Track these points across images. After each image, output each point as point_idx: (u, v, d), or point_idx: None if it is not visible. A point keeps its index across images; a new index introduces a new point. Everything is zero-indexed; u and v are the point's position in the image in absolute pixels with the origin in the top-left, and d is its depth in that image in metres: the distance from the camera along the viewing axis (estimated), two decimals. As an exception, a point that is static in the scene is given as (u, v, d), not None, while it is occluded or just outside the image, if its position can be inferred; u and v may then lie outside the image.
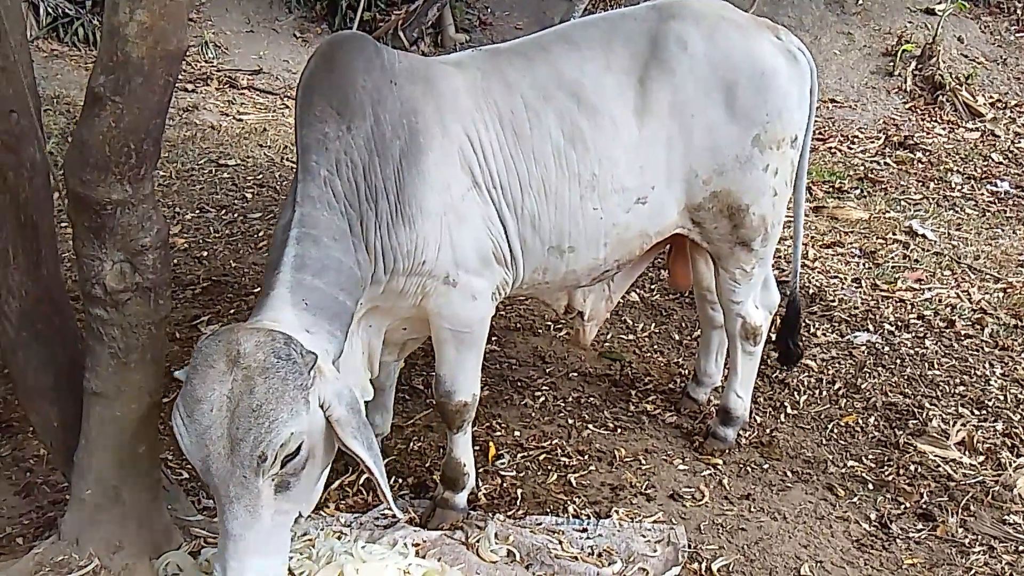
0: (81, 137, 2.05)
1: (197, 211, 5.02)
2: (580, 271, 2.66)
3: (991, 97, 7.55)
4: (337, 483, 2.85)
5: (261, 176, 5.53)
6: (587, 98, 2.52)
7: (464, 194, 2.41)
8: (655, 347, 3.89)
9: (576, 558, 2.54)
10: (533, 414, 3.35)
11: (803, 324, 4.02)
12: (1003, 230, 5.31)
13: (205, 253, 4.53)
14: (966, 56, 7.91)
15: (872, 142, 6.86)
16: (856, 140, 6.92)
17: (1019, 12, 8.22)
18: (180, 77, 7.15)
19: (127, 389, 2.25)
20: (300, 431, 1.92)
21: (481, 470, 2.96)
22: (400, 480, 2.94)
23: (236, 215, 5.00)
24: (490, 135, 2.45)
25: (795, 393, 3.49)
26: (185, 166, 5.59)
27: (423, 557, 2.43)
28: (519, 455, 3.09)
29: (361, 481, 2.87)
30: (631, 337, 3.96)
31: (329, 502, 2.77)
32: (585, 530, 2.69)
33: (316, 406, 1.97)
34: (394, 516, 2.58)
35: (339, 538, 2.47)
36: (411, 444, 3.14)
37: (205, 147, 5.93)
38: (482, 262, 2.47)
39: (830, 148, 6.74)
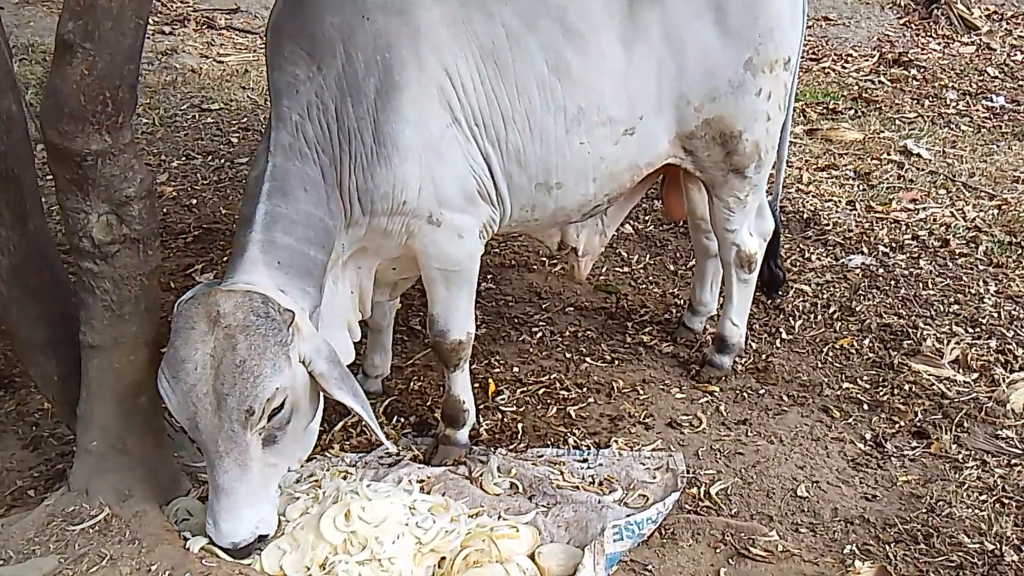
0: (54, 87, 1.99)
1: (183, 158, 4.95)
2: (570, 207, 2.63)
3: (987, 9, 7.40)
4: (340, 424, 2.89)
5: (245, 120, 5.43)
6: (573, 25, 2.44)
7: (443, 131, 2.35)
8: (650, 278, 3.89)
9: (577, 487, 2.59)
10: (531, 350, 3.37)
11: (798, 249, 4.02)
12: (998, 146, 5.27)
13: (194, 201, 4.48)
14: (962, -33, 7.70)
15: (866, 60, 6.74)
16: (850, 59, 6.80)
17: (1016, -82, 7.97)
18: (156, 19, 6.99)
19: (123, 341, 2.25)
20: (284, 386, 1.98)
21: (481, 406, 3.00)
22: (402, 419, 2.98)
23: (223, 161, 4.92)
24: (470, 68, 2.38)
25: (790, 318, 3.51)
26: (168, 112, 5.48)
27: (428, 493, 2.49)
28: (518, 390, 3.12)
29: (364, 422, 2.89)
30: (626, 269, 3.96)
31: (333, 443, 2.81)
32: (585, 460, 2.74)
33: (297, 362, 2.03)
34: (390, 451, 2.67)
35: (345, 478, 2.52)
36: (411, 384, 3.17)
37: (187, 91, 5.81)
38: (466, 200, 2.43)
39: (824, 68, 6.62)
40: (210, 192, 4.58)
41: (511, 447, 2.82)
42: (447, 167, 2.37)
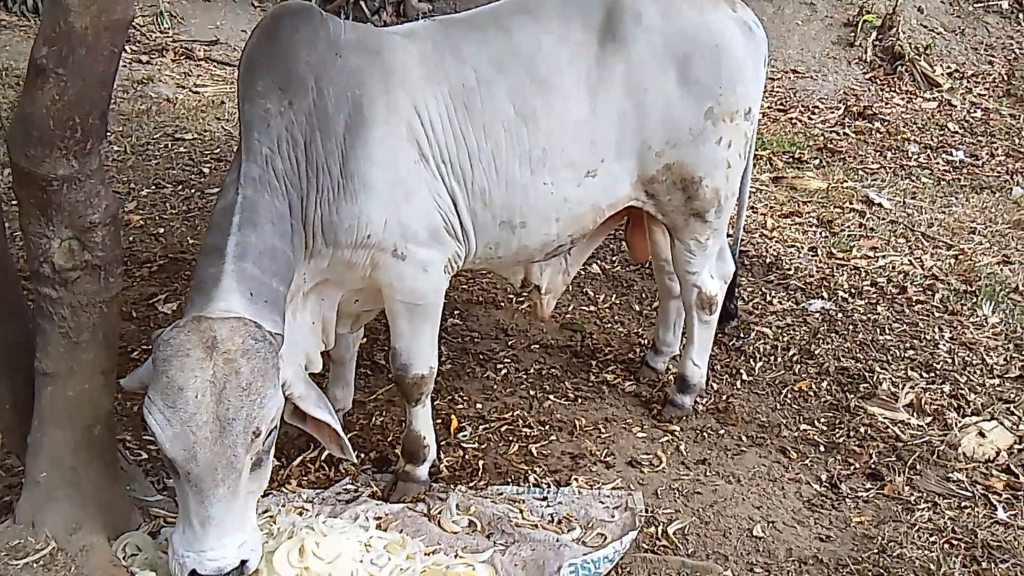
0: (24, 111, 2.01)
1: (153, 187, 4.94)
2: (533, 246, 2.67)
3: (949, 67, 7.65)
4: (299, 459, 2.86)
5: (219, 150, 5.44)
6: (540, 71, 2.51)
7: (411, 168, 2.40)
8: (615, 318, 3.93)
9: (536, 526, 2.58)
10: (495, 386, 3.38)
11: (760, 293, 4.10)
12: (957, 198, 5.43)
13: (162, 230, 4.46)
14: (925, 26, 7.99)
15: (832, 112, 6.93)
16: (816, 110, 6.99)
17: (977, -18, 8.31)
18: (134, 48, 7.02)
19: (79, 369, 2.23)
20: (280, 407, 2.00)
21: (443, 442, 2.99)
22: (363, 455, 2.96)
23: (193, 191, 4.92)
24: (439, 108, 2.43)
25: (751, 360, 3.56)
26: (140, 140, 5.48)
27: (385, 530, 2.47)
28: (481, 427, 3.12)
29: (323, 457, 2.88)
30: (592, 308, 4.00)
31: (291, 479, 2.79)
32: (545, 498, 2.74)
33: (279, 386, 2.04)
34: (347, 488, 2.69)
35: (301, 514, 2.49)
36: (373, 419, 3.16)
37: (160, 121, 5.82)
38: (432, 235, 2.47)
39: (791, 119, 6.80)
40: (179, 222, 4.57)
41: (471, 484, 2.81)
42: (413, 203, 2.41)
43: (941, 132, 6.61)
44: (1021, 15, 8.05)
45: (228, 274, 2.06)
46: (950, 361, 3.58)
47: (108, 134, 5.34)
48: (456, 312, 3.87)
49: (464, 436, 3.07)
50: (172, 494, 2.64)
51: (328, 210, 2.31)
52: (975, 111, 7.03)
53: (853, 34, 7.83)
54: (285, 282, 2.19)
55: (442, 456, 2.93)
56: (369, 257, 2.41)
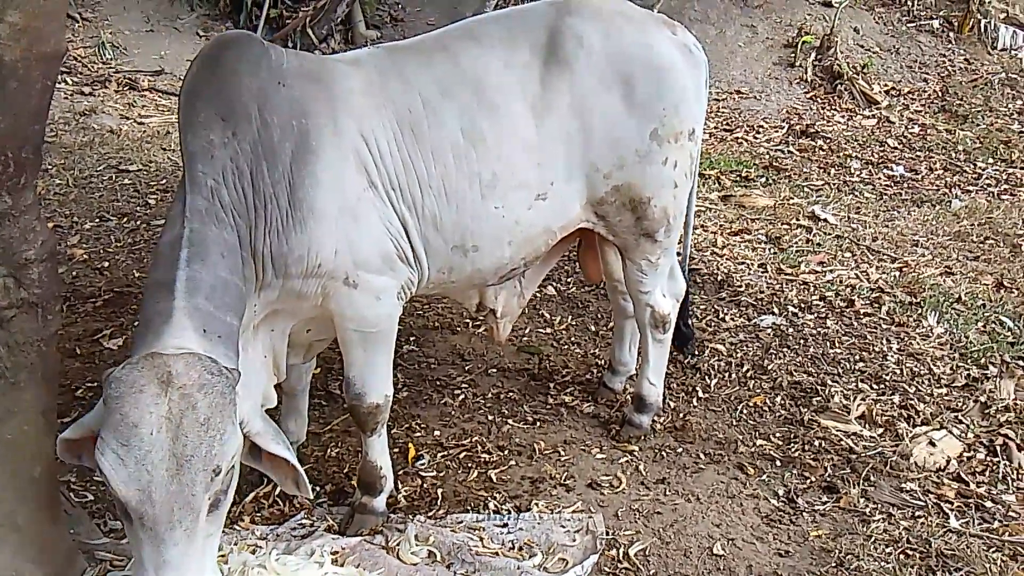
0: (-47, 147, 1.95)
1: (97, 220, 4.82)
2: (486, 270, 2.67)
3: (886, 85, 7.92)
4: (252, 495, 2.79)
5: (165, 181, 5.35)
6: (487, 95, 2.52)
7: (360, 195, 2.38)
8: (572, 339, 3.94)
9: (497, 554, 2.55)
10: (453, 412, 3.35)
11: (713, 310, 4.15)
12: (899, 212, 5.59)
13: (106, 264, 4.35)
14: (862, 46, 8.27)
15: (776, 131, 7.10)
16: (761, 130, 7.16)
17: (910, 3, 8.64)
18: (76, 80, 6.90)
19: (18, 410, 2.15)
20: (239, 445, 1.94)
21: (401, 472, 2.95)
22: (318, 488, 2.89)
23: (139, 223, 4.81)
24: (387, 134, 2.43)
25: (706, 377, 3.59)
26: (83, 173, 5.36)
27: (341, 564, 2.42)
28: (439, 454, 3.09)
29: (277, 492, 2.81)
30: (549, 330, 4.00)
31: (244, 515, 2.71)
32: (505, 525, 2.71)
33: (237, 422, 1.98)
34: (302, 522, 2.62)
35: (254, 551, 2.42)
36: (328, 450, 3.10)
37: (104, 152, 5.70)
38: (384, 262, 2.45)
39: (737, 138, 6.95)
40: (124, 255, 4.46)
41: (430, 514, 2.77)
42: (364, 231, 2.39)
43: (881, 148, 6.81)
44: (951, 34, 8.39)
45: (179, 310, 1.99)
46: (899, 372, 3.65)
47: (49, 167, 5.22)
48: (412, 338, 3.84)
49: (422, 464, 3.03)
50: (119, 536, 2.56)
51: (277, 240, 2.28)
52: (912, 127, 7.27)
53: (793, 55, 8.07)
54: (238, 315, 2.13)
55: (400, 486, 2.88)
56: (320, 286, 2.38)
